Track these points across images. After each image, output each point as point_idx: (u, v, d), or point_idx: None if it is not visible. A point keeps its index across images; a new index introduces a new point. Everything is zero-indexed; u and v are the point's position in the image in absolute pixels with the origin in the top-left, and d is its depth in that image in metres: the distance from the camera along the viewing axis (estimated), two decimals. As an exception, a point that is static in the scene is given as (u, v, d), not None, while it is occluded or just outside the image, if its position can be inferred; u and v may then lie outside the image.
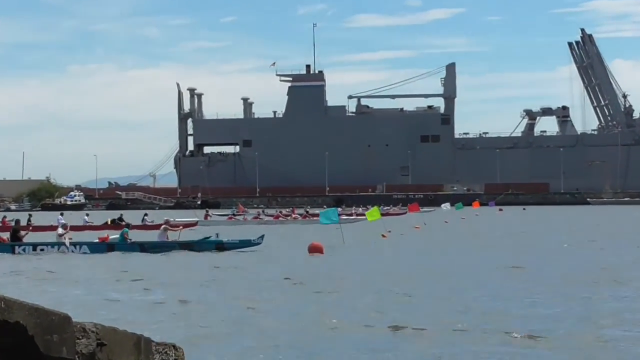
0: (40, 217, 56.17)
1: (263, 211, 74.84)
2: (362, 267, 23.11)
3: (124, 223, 49.90)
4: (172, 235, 31.01)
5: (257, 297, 16.07)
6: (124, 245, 29.61)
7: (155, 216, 56.40)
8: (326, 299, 15.94)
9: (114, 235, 31.26)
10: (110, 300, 16.27)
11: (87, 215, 53.60)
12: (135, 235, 33.68)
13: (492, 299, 15.24)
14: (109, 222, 48.94)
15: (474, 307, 14.14)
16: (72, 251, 29.26)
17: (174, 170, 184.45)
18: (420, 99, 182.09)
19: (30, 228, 39.03)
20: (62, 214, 54.35)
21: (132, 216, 56.29)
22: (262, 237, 30.05)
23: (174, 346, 4.68)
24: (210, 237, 30.47)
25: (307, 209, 77.20)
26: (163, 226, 31.16)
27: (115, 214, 61.75)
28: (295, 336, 11.67)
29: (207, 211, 66.45)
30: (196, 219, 56.12)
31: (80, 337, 4.21)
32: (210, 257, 27.25)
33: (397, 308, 14.24)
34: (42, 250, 29.54)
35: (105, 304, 15.60)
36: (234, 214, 69.60)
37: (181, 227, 32.95)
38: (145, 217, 52.09)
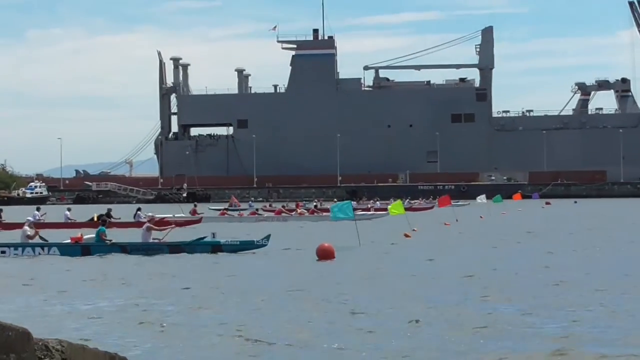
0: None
1: (270, 204, 75.02)
2: (374, 275, 22.98)
3: (113, 220, 50.36)
4: (157, 236, 30.96)
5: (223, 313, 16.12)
6: (102, 247, 29.67)
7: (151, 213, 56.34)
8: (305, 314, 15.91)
9: (88, 235, 31.25)
10: (77, 312, 16.27)
11: (69, 210, 53.74)
12: (127, 235, 33.59)
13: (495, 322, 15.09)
14: (95, 219, 49.22)
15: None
16: (39, 254, 29.34)
17: (155, 157, 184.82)
18: (450, 70, 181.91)
19: None
20: (38, 209, 54.41)
21: (115, 211, 56.03)
22: (268, 237, 29.97)
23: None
24: (205, 237, 30.48)
25: (316, 203, 77.22)
26: (146, 224, 31.11)
27: (95, 209, 61.72)
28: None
29: (195, 205, 66.55)
30: (199, 215, 56.51)
31: (43, 357, 4.17)
32: (199, 261, 27.25)
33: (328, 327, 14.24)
34: (2, 253, 29.58)
35: (69, 317, 15.60)
36: (226, 209, 69.74)
37: (173, 226, 32.82)
38: (139, 213, 52.33)
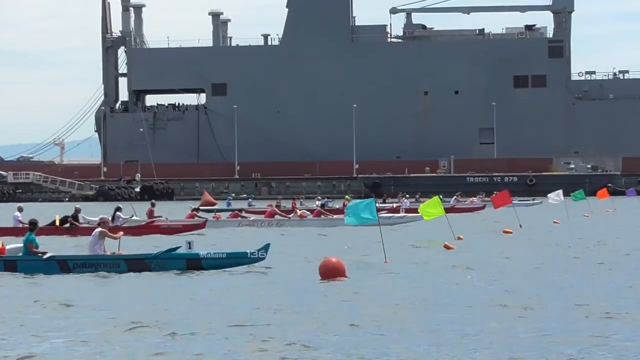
0: None
1: (279, 202, 75.17)
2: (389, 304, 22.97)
3: (81, 224, 50.36)
4: (112, 246, 31.07)
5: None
6: (33, 263, 29.80)
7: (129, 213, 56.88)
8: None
9: (13, 245, 31.33)
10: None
11: (21, 210, 53.87)
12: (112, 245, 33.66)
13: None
14: (58, 223, 49.37)
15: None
16: None
17: (96, 136, 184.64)
18: (513, 14, 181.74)
19: None
20: None
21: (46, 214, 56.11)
22: (267, 248, 29.78)
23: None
24: (179, 247, 30.52)
25: (321, 200, 77.01)
26: (98, 229, 31.00)
27: (57, 209, 61.60)
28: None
29: (152, 205, 66.67)
30: (203, 218, 56.96)
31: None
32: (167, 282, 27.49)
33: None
34: None
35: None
36: (196, 209, 69.83)
37: (121, 233, 32.80)
38: (119, 214, 52.66)
